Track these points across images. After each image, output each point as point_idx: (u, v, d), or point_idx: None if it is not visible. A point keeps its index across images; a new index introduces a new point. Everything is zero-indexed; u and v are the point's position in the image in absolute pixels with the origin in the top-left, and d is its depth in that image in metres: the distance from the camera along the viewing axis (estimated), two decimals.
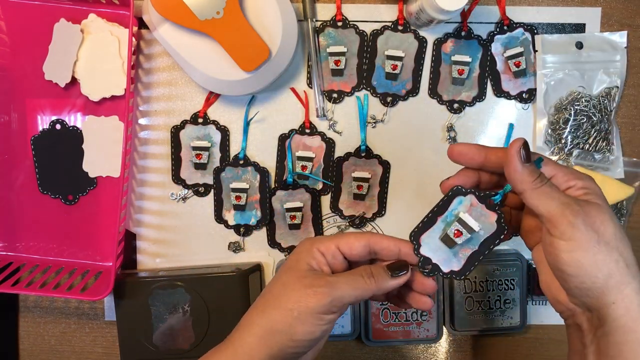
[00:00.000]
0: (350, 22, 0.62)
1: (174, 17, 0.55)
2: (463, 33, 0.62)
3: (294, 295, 0.42)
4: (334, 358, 0.66)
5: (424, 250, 0.47)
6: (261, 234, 0.64)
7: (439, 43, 0.62)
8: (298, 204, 0.63)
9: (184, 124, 0.63)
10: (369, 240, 0.44)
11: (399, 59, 0.62)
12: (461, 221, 0.46)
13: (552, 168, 0.42)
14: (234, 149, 0.63)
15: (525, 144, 0.41)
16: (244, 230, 0.64)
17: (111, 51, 0.59)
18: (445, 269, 0.47)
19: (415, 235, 0.47)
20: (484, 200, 0.46)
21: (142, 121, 0.63)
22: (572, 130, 0.62)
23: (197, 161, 0.63)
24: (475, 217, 0.46)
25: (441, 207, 0.47)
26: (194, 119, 0.63)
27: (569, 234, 0.38)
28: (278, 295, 0.42)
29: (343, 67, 0.62)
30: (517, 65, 0.62)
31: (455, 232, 0.47)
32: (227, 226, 0.64)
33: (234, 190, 0.63)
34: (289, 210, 0.63)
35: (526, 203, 0.41)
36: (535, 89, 0.63)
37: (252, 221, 0.63)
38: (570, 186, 0.41)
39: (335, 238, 0.44)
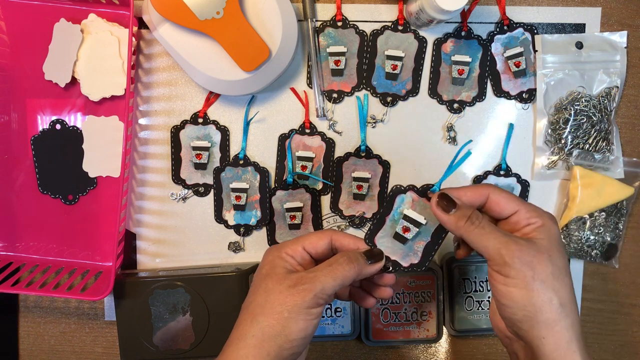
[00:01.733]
0: (350, 22, 0.62)
1: (174, 17, 0.55)
2: (463, 33, 0.62)
3: (279, 298, 0.43)
4: (334, 358, 0.66)
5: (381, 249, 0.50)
6: (261, 234, 0.64)
7: (439, 43, 0.62)
8: (298, 204, 0.63)
9: (184, 124, 0.63)
10: (330, 238, 0.47)
11: (399, 59, 0.62)
12: (407, 217, 0.49)
13: (516, 204, 0.44)
14: (234, 149, 0.63)
15: (440, 196, 0.45)
16: (244, 230, 0.64)
17: (111, 51, 0.59)
18: (404, 263, 0.50)
19: (370, 238, 0.50)
20: (423, 194, 0.49)
21: (142, 121, 0.63)
22: (572, 130, 0.62)
23: (197, 161, 0.63)
24: (419, 211, 0.49)
25: (386, 208, 0.50)
26: (194, 119, 0.63)
27: (505, 271, 0.42)
28: (263, 302, 0.43)
29: (343, 67, 0.62)
30: (517, 65, 0.62)
31: (403, 228, 0.50)
32: (227, 226, 0.64)
33: (234, 190, 0.63)
34: (289, 210, 0.63)
35: (468, 244, 0.45)
36: (535, 89, 0.63)
37: (252, 221, 0.63)
38: (531, 223, 0.43)
39: (299, 240, 0.47)
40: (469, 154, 0.49)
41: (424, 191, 0.49)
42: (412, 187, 0.49)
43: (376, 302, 0.51)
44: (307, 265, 0.47)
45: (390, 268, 0.49)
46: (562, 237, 0.44)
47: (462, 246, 0.49)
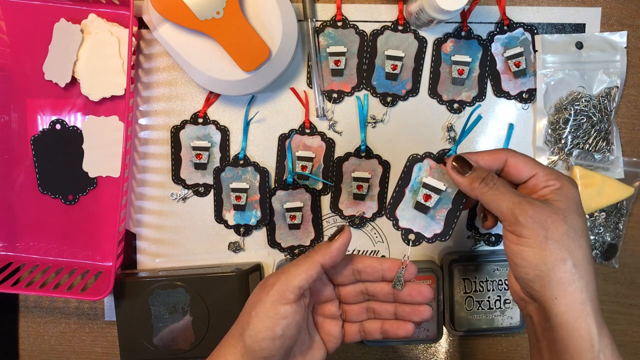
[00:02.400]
0: (350, 22, 0.62)
1: (174, 17, 0.55)
2: (463, 33, 0.62)
3: (251, 299, 0.44)
4: (334, 358, 0.66)
5: (402, 224, 0.50)
6: (261, 234, 0.64)
7: (439, 43, 0.62)
8: (298, 204, 0.63)
9: (184, 124, 0.63)
10: (320, 266, 0.44)
11: (399, 59, 0.62)
12: (426, 185, 0.49)
13: (533, 167, 0.44)
14: (234, 149, 0.63)
15: (455, 159, 0.46)
16: (244, 230, 0.64)
17: (111, 51, 0.59)
18: (428, 234, 0.50)
19: (390, 212, 0.50)
20: (440, 159, 0.49)
21: (142, 121, 0.63)
22: (572, 130, 0.62)
23: (197, 161, 0.63)
24: (438, 177, 0.49)
25: (404, 179, 0.50)
26: (194, 119, 0.63)
27: (518, 230, 0.41)
28: (245, 305, 0.44)
29: (343, 67, 0.62)
30: (517, 65, 0.62)
31: (424, 196, 0.49)
32: (227, 226, 0.64)
33: (234, 190, 0.63)
34: (289, 210, 0.63)
35: (484, 205, 0.45)
36: (535, 89, 0.63)
37: (252, 221, 0.63)
38: (549, 185, 0.43)
39: (294, 272, 0.43)
40: (479, 117, 0.51)
41: (441, 157, 0.50)
42: (429, 155, 0.50)
43: (415, 327, 0.48)
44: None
45: (414, 240, 0.49)
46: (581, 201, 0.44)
47: (488, 216, 0.49)
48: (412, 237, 0.49)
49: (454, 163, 0.46)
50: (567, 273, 0.40)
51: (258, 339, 0.41)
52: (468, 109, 0.63)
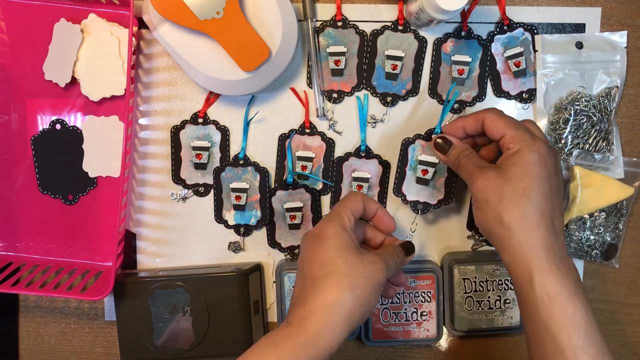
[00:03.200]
0: (350, 22, 0.62)
1: (174, 17, 0.55)
2: (463, 33, 0.62)
3: (365, 272, 0.46)
4: (334, 358, 0.65)
5: (410, 198, 0.61)
6: (261, 234, 0.64)
7: (439, 43, 0.62)
8: (298, 204, 0.63)
9: (184, 124, 0.63)
10: (362, 203, 0.52)
11: (399, 59, 0.62)
12: (422, 162, 0.60)
13: (503, 128, 0.49)
14: (234, 149, 0.63)
15: (437, 138, 0.54)
16: (244, 230, 0.64)
17: (111, 51, 0.59)
18: (433, 201, 0.60)
19: (397, 190, 0.61)
20: (429, 138, 0.59)
21: (142, 121, 0.63)
22: (572, 130, 0.62)
23: (197, 161, 0.63)
24: (430, 153, 0.60)
25: (402, 161, 0.60)
26: (194, 119, 0.63)
27: (472, 198, 0.50)
28: (349, 274, 0.45)
29: (343, 67, 0.62)
30: (517, 65, 0.62)
31: (422, 171, 0.60)
32: (227, 226, 0.64)
33: (234, 190, 0.63)
34: (289, 210, 0.63)
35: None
36: (535, 89, 0.63)
37: (252, 221, 0.63)
38: (510, 148, 0.48)
39: (345, 209, 0.50)
40: (457, 93, 0.60)
41: (429, 135, 0.60)
42: (418, 136, 0.60)
43: (395, 292, 0.58)
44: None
45: (422, 209, 0.60)
46: (549, 159, 0.47)
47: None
48: (420, 208, 0.60)
49: (435, 142, 0.54)
50: (505, 230, 0.46)
51: (371, 310, 0.47)
52: (468, 109, 0.63)
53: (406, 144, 0.60)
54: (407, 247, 0.53)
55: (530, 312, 0.45)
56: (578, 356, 0.42)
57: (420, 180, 0.60)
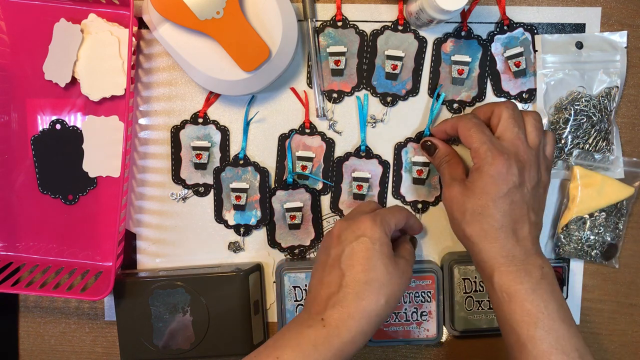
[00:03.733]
0: (350, 22, 0.62)
1: (174, 17, 0.55)
2: (463, 33, 0.62)
3: (399, 283, 0.49)
4: None
5: (408, 198, 0.63)
6: (261, 234, 0.64)
7: (438, 43, 0.62)
8: (298, 204, 0.63)
9: (184, 124, 0.63)
10: (407, 215, 0.56)
11: (399, 59, 0.62)
12: (415, 163, 0.63)
13: (470, 142, 0.52)
14: (234, 149, 0.63)
15: (424, 142, 0.59)
16: (244, 230, 0.64)
17: (111, 51, 0.59)
18: (430, 199, 0.63)
19: (396, 192, 0.63)
20: (419, 140, 0.62)
21: (142, 121, 0.63)
22: (572, 130, 0.62)
23: (197, 161, 0.63)
24: (421, 154, 0.62)
25: (397, 164, 0.63)
26: (194, 119, 0.63)
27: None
28: (387, 283, 0.48)
29: (343, 67, 0.62)
30: (517, 65, 0.62)
31: (417, 171, 0.63)
32: (227, 226, 0.64)
33: (234, 190, 0.63)
34: (289, 210, 0.63)
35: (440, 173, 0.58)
36: (535, 89, 0.63)
37: (252, 221, 0.63)
38: (474, 163, 0.52)
39: (391, 218, 0.52)
40: (443, 95, 0.62)
41: (419, 138, 0.62)
42: (409, 139, 0.62)
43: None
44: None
45: (422, 207, 0.64)
46: (510, 175, 0.50)
47: None
48: (420, 204, 0.63)
49: (424, 143, 0.59)
50: (468, 241, 0.51)
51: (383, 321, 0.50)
52: (468, 109, 0.63)
53: (399, 147, 0.62)
54: (414, 241, 0.61)
55: (496, 310, 0.50)
56: (537, 345, 0.46)
57: (416, 181, 0.63)
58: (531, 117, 0.53)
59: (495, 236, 0.49)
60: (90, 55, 0.60)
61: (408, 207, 0.63)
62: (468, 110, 0.63)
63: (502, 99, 0.63)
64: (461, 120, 0.53)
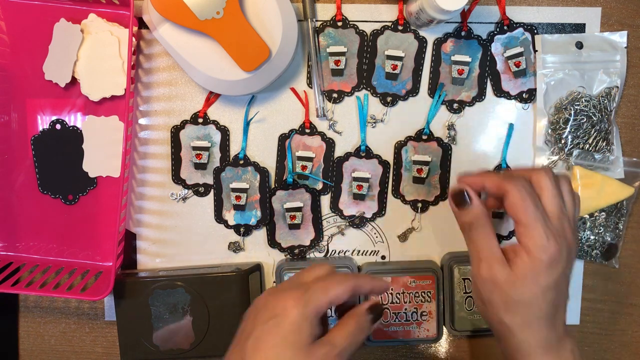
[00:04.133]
0: (350, 22, 0.62)
1: (174, 17, 0.55)
2: (463, 33, 0.62)
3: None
4: None
5: (408, 197, 0.63)
6: (261, 234, 0.64)
7: (438, 43, 0.62)
8: (298, 204, 0.63)
9: (184, 124, 0.63)
10: (353, 288, 0.44)
11: (399, 59, 0.62)
12: (415, 162, 0.62)
13: (520, 216, 0.45)
14: (234, 149, 0.63)
15: (458, 191, 0.47)
16: (244, 230, 0.64)
17: (111, 51, 0.59)
18: (430, 198, 0.63)
19: (395, 192, 0.62)
20: (419, 138, 0.62)
21: (142, 121, 0.63)
22: (572, 130, 0.62)
23: (197, 161, 0.63)
24: (422, 152, 0.62)
25: (397, 163, 0.62)
26: (194, 119, 0.63)
27: (473, 281, 0.48)
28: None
29: (343, 67, 0.62)
30: (517, 65, 0.62)
31: (417, 170, 0.62)
32: (227, 226, 0.64)
33: (234, 190, 0.63)
34: (289, 210, 0.63)
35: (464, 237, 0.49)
36: (535, 89, 0.63)
37: (252, 221, 0.63)
38: (521, 242, 0.45)
39: (323, 296, 0.42)
40: (444, 94, 0.61)
41: (419, 136, 0.62)
42: (409, 138, 0.62)
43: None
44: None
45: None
46: (559, 261, 0.44)
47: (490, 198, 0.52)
48: (419, 206, 0.62)
49: (453, 194, 0.47)
50: (506, 330, 0.46)
51: None
52: (468, 109, 0.63)
53: (399, 146, 0.62)
54: (375, 311, 0.44)
55: None
56: None
57: (416, 180, 0.62)
58: (566, 184, 0.48)
59: (537, 327, 0.45)
60: (90, 55, 0.60)
61: (407, 207, 0.63)
62: (468, 110, 0.63)
63: (502, 99, 0.63)
64: (513, 184, 0.45)
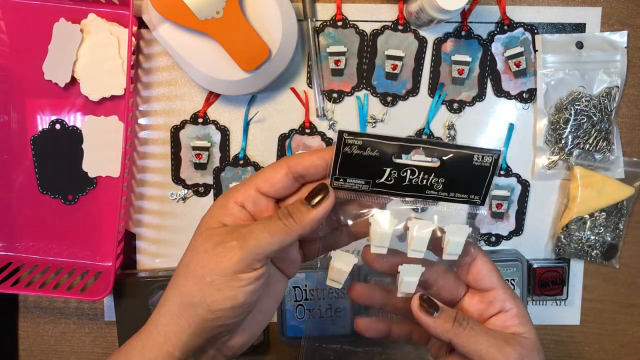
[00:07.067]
0: (350, 22, 0.62)
1: (173, 17, 0.55)
2: (463, 33, 0.62)
3: (203, 259, 0.36)
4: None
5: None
6: None
7: (439, 43, 0.62)
8: None
9: (183, 123, 0.63)
10: (288, 166, 0.37)
11: (399, 58, 0.62)
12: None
13: (495, 281, 0.41)
14: (234, 149, 0.63)
15: (421, 297, 0.39)
16: None
17: (111, 51, 0.59)
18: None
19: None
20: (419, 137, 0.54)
21: (141, 121, 0.63)
22: (573, 130, 0.62)
23: (197, 161, 0.63)
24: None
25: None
26: (193, 119, 0.63)
27: None
28: (188, 262, 0.37)
29: (343, 67, 0.62)
30: (518, 65, 0.62)
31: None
32: None
33: None
34: None
35: (456, 348, 0.39)
36: (535, 89, 0.62)
37: None
38: (507, 309, 0.40)
39: (251, 179, 0.38)
40: (444, 94, 0.59)
41: (419, 135, 0.60)
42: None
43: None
44: (264, 212, 0.38)
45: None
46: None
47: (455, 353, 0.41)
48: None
49: (420, 302, 0.39)
50: None
51: (214, 309, 0.35)
52: (468, 109, 0.63)
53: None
54: (310, 195, 0.37)
55: None
56: None
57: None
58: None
59: None
60: (90, 55, 0.60)
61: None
62: (468, 110, 0.63)
63: (503, 99, 0.63)
64: (479, 249, 0.41)
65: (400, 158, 0.37)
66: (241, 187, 0.38)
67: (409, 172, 0.38)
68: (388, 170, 0.37)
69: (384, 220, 0.39)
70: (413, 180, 0.38)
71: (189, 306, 0.36)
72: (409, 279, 0.40)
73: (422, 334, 0.43)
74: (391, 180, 0.38)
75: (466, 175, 0.38)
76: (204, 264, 0.36)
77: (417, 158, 0.37)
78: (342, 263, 0.40)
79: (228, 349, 0.39)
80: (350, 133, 0.36)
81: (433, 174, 0.38)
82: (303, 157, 0.38)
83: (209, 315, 0.35)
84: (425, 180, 0.38)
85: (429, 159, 0.37)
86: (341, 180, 0.38)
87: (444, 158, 0.37)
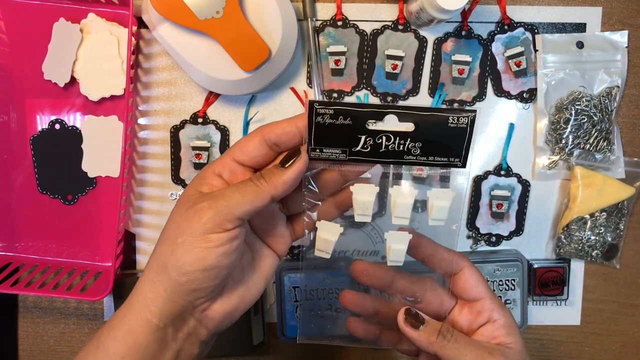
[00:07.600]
0: (350, 22, 0.62)
1: (173, 17, 0.55)
2: (463, 32, 0.62)
3: (176, 222, 0.36)
4: (333, 358, 0.65)
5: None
6: None
7: (439, 42, 0.62)
8: None
9: (183, 123, 0.63)
10: (262, 134, 0.38)
11: (399, 58, 0.62)
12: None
13: (483, 291, 0.42)
14: None
15: (407, 311, 0.41)
16: None
17: (111, 51, 0.59)
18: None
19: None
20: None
21: (141, 121, 0.63)
22: (573, 130, 0.62)
23: (197, 161, 0.63)
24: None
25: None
26: (193, 119, 0.63)
27: None
28: (165, 229, 0.37)
29: (343, 66, 0.62)
30: (518, 64, 0.62)
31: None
32: None
33: None
34: None
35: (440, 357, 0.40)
36: (535, 89, 0.62)
37: None
38: (494, 319, 0.42)
39: (228, 150, 0.39)
40: (444, 94, 0.59)
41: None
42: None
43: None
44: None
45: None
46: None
47: None
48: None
49: (405, 316, 0.41)
50: None
51: (185, 271, 0.35)
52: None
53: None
54: (284, 159, 0.37)
55: None
56: None
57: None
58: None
59: None
60: (90, 55, 0.59)
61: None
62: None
63: (503, 99, 0.63)
64: (465, 259, 0.43)
65: (375, 125, 0.37)
66: (219, 158, 0.39)
67: (384, 138, 0.37)
68: (363, 137, 0.37)
69: (365, 188, 0.39)
70: (390, 147, 0.38)
71: (163, 270, 0.36)
72: (396, 246, 0.40)
73: (411, 344, 0.44)
74: (367, 147, 0.38)
75: (443, 138, 0.38)
76: (176, 226, 0.36)
77: (391, 124, 0.37)
78: (328, 233, 0.40)
79: (208, 320, 0.39)
80: (321, 102, 0.36)
81: (409, 139, 0.37)
82: (275, 125, 0.38)
83: (181, 277, 0.35)
84: (402, 146, 0.38)
85: (403, 124, 0.37)
86: (318, 150, 0.38)
87: (418, 122, 0.37)
